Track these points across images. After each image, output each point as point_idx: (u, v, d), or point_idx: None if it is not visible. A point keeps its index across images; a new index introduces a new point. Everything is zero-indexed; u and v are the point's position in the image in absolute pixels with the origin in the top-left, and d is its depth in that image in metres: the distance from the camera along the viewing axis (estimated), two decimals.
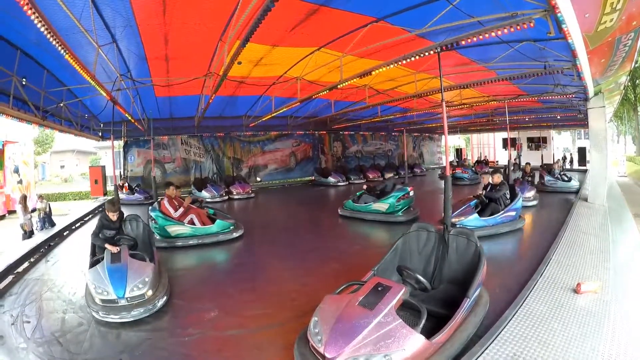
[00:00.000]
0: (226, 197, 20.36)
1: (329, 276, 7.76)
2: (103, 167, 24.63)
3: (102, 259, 6.71)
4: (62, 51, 7.61)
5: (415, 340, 3.94)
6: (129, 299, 6.05)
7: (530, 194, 14.77)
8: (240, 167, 26.72)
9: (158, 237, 10.59)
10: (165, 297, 6.48)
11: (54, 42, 7.13)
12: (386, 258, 5.95)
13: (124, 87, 13.56)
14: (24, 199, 15.76)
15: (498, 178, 11.02)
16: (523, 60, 11.98)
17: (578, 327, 4.91)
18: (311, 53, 12.63)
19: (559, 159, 28.28)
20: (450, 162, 28.54)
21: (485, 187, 11.27)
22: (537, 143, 38.42)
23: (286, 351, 4.69)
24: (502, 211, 10.66)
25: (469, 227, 9.56)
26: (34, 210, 17.78)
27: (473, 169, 26.55)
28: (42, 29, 6.49)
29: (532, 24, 6.94)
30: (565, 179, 18.20)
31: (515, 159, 23.69)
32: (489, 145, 45.45)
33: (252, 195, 21.41)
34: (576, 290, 5.95)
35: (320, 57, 12.81)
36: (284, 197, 22.21)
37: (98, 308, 5.93)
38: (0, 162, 25.00)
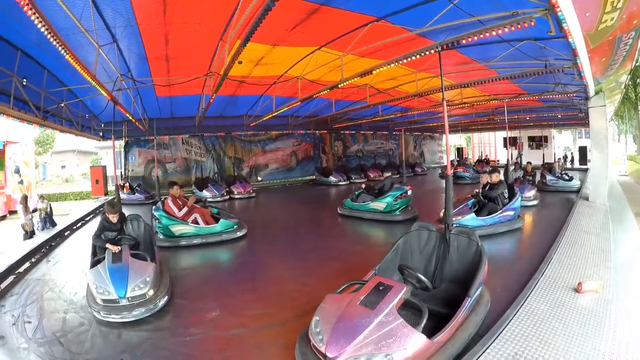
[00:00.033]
0: (227, 197, 20.34)
1: (330, 275, 7.76)
2: (104, 167, 24.66)
3: (103, 258, 6.70)
4: (63, 51, 7.61)
5: (417, 340, 3.94)
6: (130, 298, 6.04)
7: (531, 193, 14.69)
8: (241, 166, 26.72)
9: (162, 236, 10.62)
10: (166, 297, 6.48)
11: (54, 43, 7.13)
12: (387, 257, 5.95)
13: (124, 87, 13.56)
14: (24, 199, 15.79)
15: (496, 177, 11.02)
16: (524, 59, 11.97)
17: (579, 326, 4.91)
18: (312, 52, 12.62)
19: (559, 158, 28.28)
20: (452, 161, 28.61)
21: (484, 187, 11.26)
22: (538, 142, 38.42)
23: (287, 351, 4.69)
24: (500, 211, 10.64)
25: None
26: (35, 210, 17.78)
27: (474, 168, 26.53)
28: (43, 29, 6.49)
29: (532, 23, 6.93)
30: (566, 178, 18.17)
31: (516, 158, 23.65)
32: (490, 145, 45.40)
33: (253, 194, 21.39)
34: (577, 290, 5.95)
35: (321, 57, 12.81)
36: (284, 196, 22.22)
37: (99, 308, 5.93)
38: (1, 162, 25.02)
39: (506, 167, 14.41)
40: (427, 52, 9.18)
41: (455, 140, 60.75)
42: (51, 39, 6.96)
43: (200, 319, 6.00)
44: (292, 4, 8.71)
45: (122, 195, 18.97)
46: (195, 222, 10.86)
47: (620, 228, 11.06)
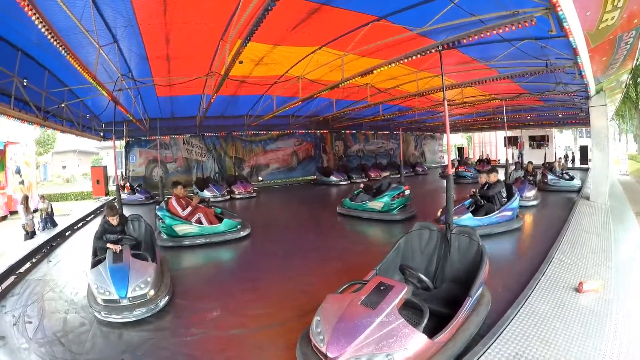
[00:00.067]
0: (228, 197, 20.35)
1: (331, 275, 7.76)
2: (105, 167, 24.62)
3: (104, 259, 6.70)
4: (63, 52, 7.61)
5: (418, 340, 3.93)
6: (131, 298, 6.05)
7: (531, 193, 14.60)
8: (242, 166, 26.73)
9: (165, 236, 10.65)
10: (167, 297, 6.49)
11: (54, 43, 7.14)
12: (388, 257, 5.94)
13: (125, 87, 13.56)
14: (25, 199, 15.81)
15: (494, 177, 10.99)
16: (524, 58, 11.97)
17: (580, 326, 4.90)
18: (312, 52, 12.62)
19: (560, 158, 28.25)
20: (453, 161, 28.65)
21: (482, 187, 11.23)
22: (539, 142, 38.44)
23: (288, 351, 4.68)
24: (497, 211, 10.61)
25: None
26: (35, 210, 17.82)
27: (475, 167, 26.53)
28: (43, 30, 6.49)
29: (533, 22, 6.92)
30: (567, 177, 18.13)
31: (518, 158, 23.59)
32: (491, 144, 45.39)
33: (254, 194, 21.39)
34: (578, 289, 5.94)
35: (322, 56, 12.81)
36: (285, 196, 22.22)
37: (100, 308, 5.93)
38: (2, 162, 25.03)
39: (506, 166, 14.38)
40: (428, 52, 9.18)
41: (456, 139, 60.75)
42: (52, 39, 6.97)
43: (201, 319, 6.00)
44: (292, 3, 8.71)
45: (123, 196, 18.98)
46: (199, 221, 10.87)
47: (621, 227, 11.05)
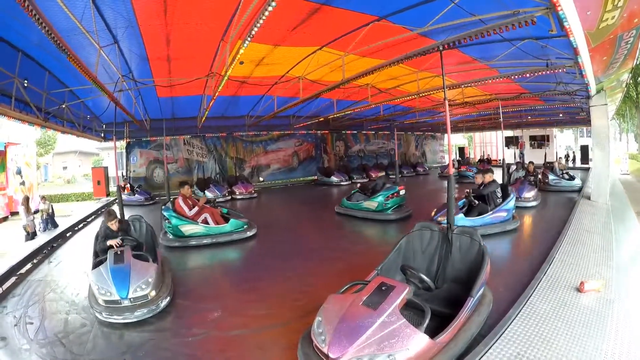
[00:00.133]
0: (229, 197, 20.34)
1: (331, 275, 7.77)
2: (106, 168, 24.63)
3: (105, 259, 6.70)
4: (64, 53, 7.61)
5: (419, 340, 3.93)
6: (132, 299, 6.05)
7: (530, 194, 14.43)
8: (243, 167, 26.71)
9: (171, 236, 10.67)
10: (168, 298, 6.49)
11: (55, 44, 7.14)
12: (390, 257, 5.94)
13: (125, 88, 13.58)
14: (26, 200, 15.81)
15: (489, 177, 10.94)
16: (525, 58, 11.97)
17: (581, 326, 4.90)
18: (313, 52, 12.63)
19: (560, 157, 28.25)
20: (455, 161, 28.71)
21: (479, 187, 11.19)
22: (540, 141, 38.40)
23: (289, 351, 4.68)
24: (491, 211, 10.55)
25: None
26: (36, 211, 17.83)
27: (477, 167, 26.56)
28: (43, 31, 6.49)
29: (534, 22, 6.92)
30: (567, 177, 18.09)
31: (519, 158, 23.54)
32: (492, 144, 45.39)
33: (255, 195, 21.37)
34: (579, 289, 5.93)
35: (322, 57, 12.81)
36: (286, 196, 22.20)
37: (101, 309, 5.93)
38: (3, 163, 25.02)
39: (503, 166, 14.30)
40: (429, 52, 9.18)
41: (457, 139, 60.74)
42: (52, 41, 6.97)
43: (202, 320, 6.01)
44: (293, 4, 8.73)
45: (123, 197, 18.98)
46: (205, 222, 10.89)
47: (622, 227, 11.04)
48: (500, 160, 34.86)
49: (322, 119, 25.23)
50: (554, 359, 4.19)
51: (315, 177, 28.33)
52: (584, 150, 35.17)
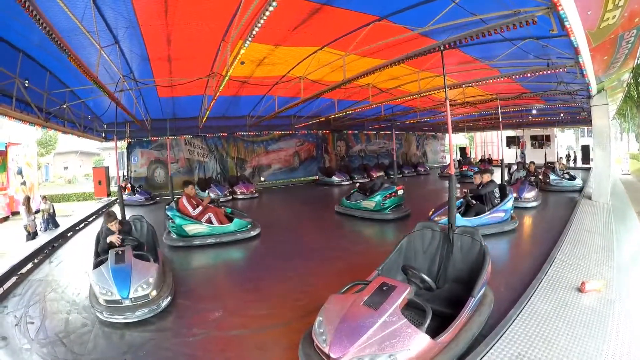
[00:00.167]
0: (230, 197, 20.32)
1: (332, 275, 7.79)
2: (106, 168, 24.62)
3: (106, 259, 6.70)
4: (65, 53, 7.62)
5: (420, 340, 3.93)
6: (133, 299, 6.05)
7: (531, 194, 14.33)
8: (244, 167, 26.68)
9: (175, 236, 10.68)
10: (169, 297, 6.49)
11: (56, 44, 7.14)
12: (391, 257, 5.94)
13: (126, 88, 13.58)
14: (27, 200, 15.82)
15: (487, 177, 10.91)
16: (526, 58, 11.97)
17: (582, 326, 4.89)
18: (314, 52, 12.62)
19: (561, 157, 28.23)
20: (457, 161, 28.71)
21: (477, 187, 11.17)
22: (541, 141, 38.35)
23: (290, 351, 4.69)
24: (488, 212, 10.53)
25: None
26: (37, 211, 17.83)
27: (479, 167, 26.56)
28: (44, 31, 6.49)
29: (534, 22, 6.91)
30: (567, 177, 18.06)
31: (520, 158, 23.51)
32: (493, 144, 45.34)
33: (256, 195, 21.37)
34: (580, 289, 5.93)
35: (323, 57, 12.81)
36: (287, 196, 22.19)
37: (102, 308, 5.93)
38: (4, 163, 25.04)
39: (502, 167, 14.26)
40: (430, 52, 9.18)
41: (458, 139, 60.67)
42: (53, 41, 6.97)
43: (203, 320, 6.01)
44: (294, 4, 8.72)
45: (123, 196, 18.99)
46: (209, 221, 10.90)
47: (623, 227, 11.03)
48: (501, 160, 35.02)
49: (323, 119, 25.21)
50: (554, 359, 4.19)
51: (317, 177, 28.32)
52: (585, 150, 35.17)
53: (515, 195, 13.51)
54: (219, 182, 22.32)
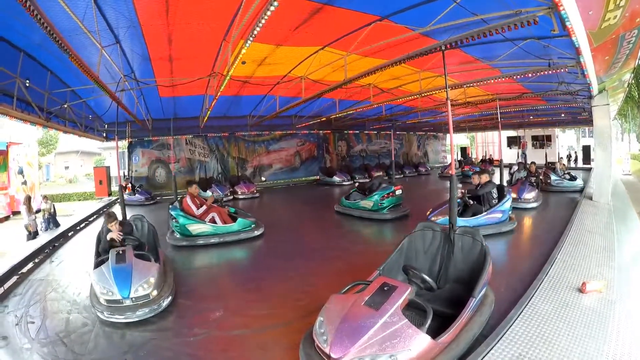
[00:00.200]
0: (231, 197, 20.30)
1: (332, 275, 7.79)
2: (107, 168, 24.66)
3: (107, 259, 6.70)
4: (66, 53, 7.61)
5: (421, 340, 3.93)
6: (133, 299, 6.05)
7: (531, 195, 14.23)
8: (245, 166, 26.68)
9: (179, 235, 10.70)
10: (170, 297, 6.50)
11: (57, 44, 7.14)
12: (392, 258, 5.94)
13: (127, 87, 13.58)
14: (28, 200, 15.81)
15: (485, 178, 10.90)
16: (527, 58, 11.94)
17: (583, 327, 4.89)
18: (315, 52, 12.61)
19: (561, 158, 28.23)
20: (458, 161, 28.74)
21: (476, 187, 11.16)
22: (542, 141, 38.32)
23: (291, 351, 4.69)
24: (485, 212, 10.51)
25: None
26: (38, 211, 17.83)
27: (480, 167, 26.55)
28: (45, 31, 6.49)
29: (536, 22, 6.90)
30: (568, 177, 18.04)
31: (520, 158, 23.48)
32: (494, 144, 45.30)
33: (257, 195, 21.37)
34: (581, 290, 5.93)
35: (324, 56, 12.80)
36: (288, 196, 22.19)
37: (103, 308, 5.94)
38: (5, 163, 25.06)
39: (501, 167, 14.22)
40: (431, 52, 9.17)
41: (459, 139, 60.64)
42: (54, 41, 6.97)
43: (204, 320, 6.01)
44: (295, 3, 8.71)
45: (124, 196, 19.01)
46: (213, 221, 10.94)
47: (623, 227, 11.01)
48: (502, 160, 34.99)
49: (324, 119, 25.19)
50: None
51: (318, 177, 28.34)
52: (586, 150, 35.16)
53: (515, 196, 13.51)
54: (220, 182, 22.31)
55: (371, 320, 4.09)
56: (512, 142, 40.38)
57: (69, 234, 12.59)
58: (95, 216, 15.92)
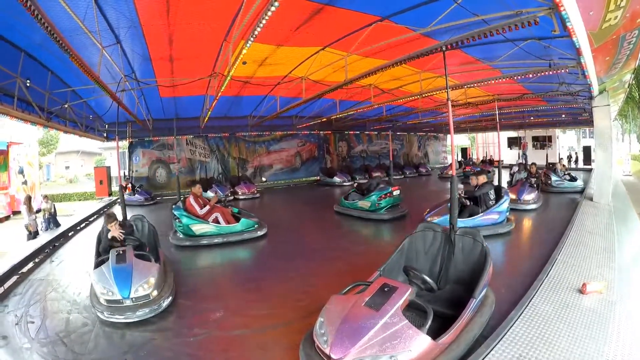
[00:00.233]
0: (231, 198, 20.23)
1: (332, 276, 7.79)
2: (108, 168, 24.66)
3: (107, 259, 6.70)
4: (66, 53, 7.61)
5: (422, 341, 3.93)
6: (134, 299, 6.05)
7: (530, 196, 14.01)
8: (246, 167, 26.65)
9: (182, 235, 10.71)
10: (170, 298, 6.50)
11: (57, 44, 7.14)
12: (392, 258, 5.94)
13: (128, 88, 13.59)
14: (28, 199, 15.81)
15: (483, 179, 10.89)
16: (528, 58, 11.94)
17: (583, 327, 4.89)
18: (316, 53, 12.62)
19: (562, 158, 28.23)
20: (459, 162, 28.78)
21: (474, 188, 11.14)
22: (542, 142, 38.31)
23: (292, 351, 4.68)
24: (481, 213, 10.46)
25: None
26: (38, 210, 17.84)
27: (481, 167, 26.56)
28: (46, 31, 6.50)
29: (536, 22, 6.90)
30: (568, 178, 18.02)
31: (521, 159, 23.48)
32: (494, 144, 45.27)
33: (258, 195, 21.36)
34: (582, 291, 5.92)
35: (325, 57, 12.80)
36: (289, 197, 22.19)
37: (103, 308, 5.94)
38: (5, 163, 25.08)
39: (499, 168, 14.18)
40: (432, 52, 9.17)
41: (460, 140, 60.65)
42: (54, 41, 6.97)
43: (204, 320, 6.01)
44: (296, 4, 8.71)
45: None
46: (216, 221, 10.95)
47: (624, 228, 11.01)
48: (503, 160, 35.00)
49: (324, 120, 25.19)
50: None
51: (318, 178, 28.34)
52: (587, 151, 35.17)
53: (514, 197, 13.47)
54: (220, 182, 22.30)
55: (371, 321, 4.09)
56: (512, 142, 40.40)
57: (69, 234, 12.58)
58: (95, 216, 15.92)
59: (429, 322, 4.18)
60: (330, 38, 11.47)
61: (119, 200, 10.67)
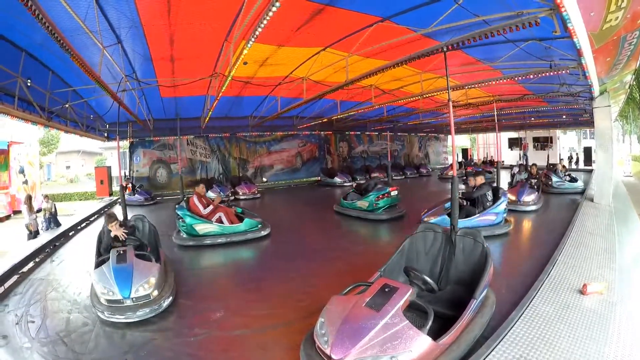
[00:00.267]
0: (232, 198, 20.21)
1: (333, 276, 7.78)
2: (109, 168, 24.63)
3: (108, 259, 6.71)
4: (67, 53, 7.62)
5: (422, 342, 3.93)
6: (134, 299, 6.06)
7: (530, 197, 13.91)
8: (247, 167, 26.65)
9: (185, 235, 10.71)
10: (171, 298, 6.50)
11: (58, 44, 7.14)
12: (393, 259, 5.94)
13: (129, 87, 13.59)
14: (29, 199, 15.81)
15: (481, 180, 10.87)
16: (529, 59, 11.94)
17: (584, 328, 4.89)
18: (317, 53, 12.61)
19: (562, 159, 28.20)
20: (459, 162, 28.82)
21: (472, 189, 11.12)
22: (543, 143, 38.32)
23: (292, 352, 4.68)
24: (478, 214, 10.43)
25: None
26: (39, 210, 17.83)
27: (482, 168, 26.57)
28: (47, 31, 6.50)
29: (537, 23, 6.90)
30: (569, 179, 18.01)
31: (521, 159, 23.46)
32: (495, 145, 45.31)
33: (258, 195, 21.36)
34: (582, 292, 5.92)
35: (326, 57, 12.80)
36: (289, 197, 22.19)
37: (103, 308, 5.94)
38: (6, 162, 25.11)
39: (497, 169, 14.13)
40: (433, 53, 9.16)
41: (461, 141, 60.65)
42: (55, 40, 6.97)
43: (205, 320, 6.01)
44: (297, 4, 8.71)
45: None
46: (220, 221, 10.96)
47: (624, 229, 11.00)
48: (502, 161, 35.02)
49: (325, 120, 25.19)
50: None
51: (319, 178, 28.32)
52: (587, 151, 35.14)
53: (514, 198, 13.46)
54: (221, 183, 22.29)
55: (372, 321, 4.09)
56: (513, 143, 40.44)
57: (70, 234, 12.58)
58: (96, 216, 15.92)
59: (430, 323, 4.18)
60: (331, 38, 11.47)
61: (119, 200, 10.66)
